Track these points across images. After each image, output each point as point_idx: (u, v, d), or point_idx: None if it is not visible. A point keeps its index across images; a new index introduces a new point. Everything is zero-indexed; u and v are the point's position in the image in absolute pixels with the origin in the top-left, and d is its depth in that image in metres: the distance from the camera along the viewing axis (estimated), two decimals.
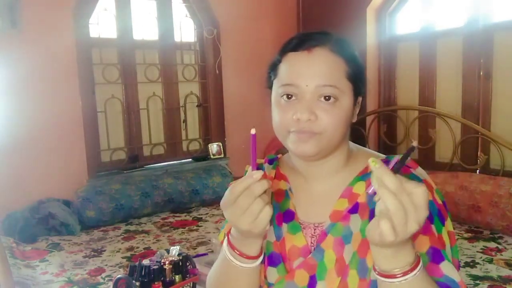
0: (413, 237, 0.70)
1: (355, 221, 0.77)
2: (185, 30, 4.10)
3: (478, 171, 3.31)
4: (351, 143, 0.88)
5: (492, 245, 2.62)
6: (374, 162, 0.59)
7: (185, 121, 4.15)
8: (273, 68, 0.83)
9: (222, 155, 4.18)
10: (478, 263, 2.37)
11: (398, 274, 0.62)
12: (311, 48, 0.77)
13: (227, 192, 0.70)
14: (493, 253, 2.50)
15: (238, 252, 0.75)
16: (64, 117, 3.34)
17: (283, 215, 0.84)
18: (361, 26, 3.94)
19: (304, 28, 4.47)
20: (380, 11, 3.97)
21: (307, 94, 0.76)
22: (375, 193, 0.61)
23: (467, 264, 2.36)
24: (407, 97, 3.90)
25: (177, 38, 4.05)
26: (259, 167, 0.86)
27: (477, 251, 2.53)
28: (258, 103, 4.35)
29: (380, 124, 4.03)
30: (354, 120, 0.83)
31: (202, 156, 4.16)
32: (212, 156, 4.14)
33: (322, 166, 0.83)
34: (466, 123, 3.37)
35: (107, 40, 3.68)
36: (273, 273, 0.81)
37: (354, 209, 0.78)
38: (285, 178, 0.88)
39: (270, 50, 4.33)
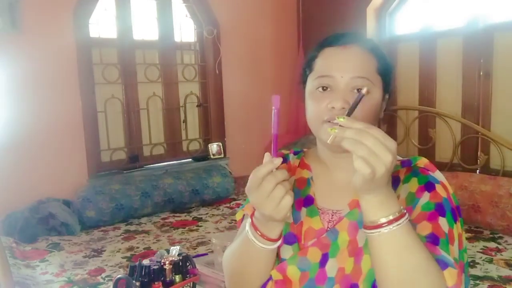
0: (417, 220, 0.78)
1: None
2: (185, 30, 4.10)
3: (478, 171, 3.31)
4: None
5: (492, 245, 2.62)
6: (340, 118, 0.67)
7: (185, 121, 4.15)
8: (309, 63, 0.88)
9: (222, 155, 4.18)
10: (478, 263, 2.37)
11: (384, 224, 0.68)
12: (346, 44, 0.84)
13: (251, 176, 0.73)
14: (493, 253, 2.50)
15: (260, 234, 0.79)
16: (64, 117, 3.34)
17: (303, 201, 0.89)
18: (361, 26, 3.94)
19: (304, 28, 4.48)
20: (380, 11, 3.97)
21: (342, 85, 0.81)
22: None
23: (467, 264, 2.35)
24: (407, 97, 3.90)
25: (177, 38, 4.05)
26: (284, 157, 0.94)
27: (477, 251, 2.53)
28: (258, 103, 4.38)
29: (380, 124, 4.01)
30: (381, 116, 0.88)
31: (202, 156, 4.16)
32: (212, 156, 4.14)
33: (348, 158, 0.84)
34: (466, 123, 3.37)
35: (107, 40, 3.68)
36: (287, 250, 0.86)
37: None
38: (308, 168, 0.93)
39: (270, 50, 4.34)
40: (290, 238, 0.86)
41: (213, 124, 4.24)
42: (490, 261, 2.39)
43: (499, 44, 3.24)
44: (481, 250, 2.55)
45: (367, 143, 0.64)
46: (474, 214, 2.86)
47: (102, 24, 3.63)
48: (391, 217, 0.68)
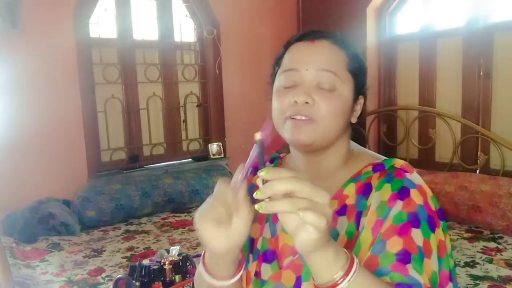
0: (387, 234, 0.70)
1: (342, 223, 0.77)
2: (185, 30, 4.10)
3: (478, 171, 3.31)
4: (353, 144, 0.87)
5: (492, 245, 2.62)
6: (265, 171, 0.57)
7: (185, 121, 4.15)
8: (278, 60, 0.85)
9: (222, 155, 4.18)
10: (478, 263, 2.37)
11: (339, 280, 0.59)
12: (314, 39, 0.80)
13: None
14: (493, 253, 2.50)
15: (208, 272, 0.73)
16: (64, 117, 3.34)
17: None
18: (361, 26, 3.94)
19: (304, 28, 4.47)
20: (380, 11, 3.97)
21: (307, 79, 0.77)
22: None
23: (467, 264, 2.36)
24: (407, 97, 3.90)
25: (177, 38, 4.05)
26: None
27: (477, 251, 2.53)
28: (258, 103, 4.35)
29: (380, 124, 4.03)
30: (354, 121, 0.83)
31: (202, 156, 4.16)
32: (212, 156, 4.14)
33: (320, 163, 0.83)
34: (466, 123, 3.37)
35: (107, 40, 3.68)
36: (267, 270, 0.80)
37: (342, 210, 0.78)
38: None
39: (270, 50, 4.33)
40: (269, 256, 0.81)
41: (213, 124, 4.24)
42: (490, 261, 2.39)
43: (499, 44, 3.24)
44: (481, 250, 2.54)
45: (304, 192, 0.55)
46: (474, 214, 2.86)
47: (102, 24, 3.62)
48: (345, 268, 0.59)
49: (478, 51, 3.33)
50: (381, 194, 0.75)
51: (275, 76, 0.84)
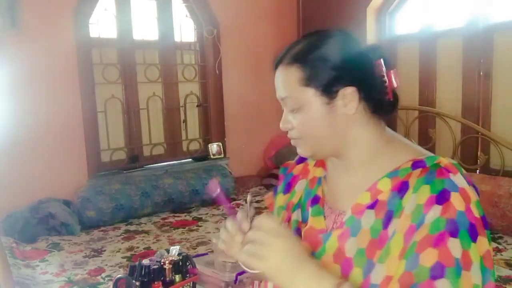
0: (421, 247, 0.66)
1: (369, 216, 0.76)
2: (185, 30, 4.10)
3: (478, 171, 3.31)
4: (394, 135, 0.85)
5: (492, 245, 2.62)
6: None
7: (185, 121, 4.15)
8: None
9: (222, 155, 4.18)
10: None
11: None
12: (276, 67, 0.84)
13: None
14: (493, 253, 2.49)
15: None
16: (64, 117, 3.34)
17: (311, 200, 0.89)
18: (361, 26, 3.94)
19: (304, 28, 4.48)
20: (380, 11, 3.97)
21: (284, 106, 0.84)
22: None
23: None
24: (407, 97, 3.90)
25: (177, 38, 4.05)
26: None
27: None
28: (258, 103, 4.38)
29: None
30: (351, 112, 0.79)
31: (202, 156, 4.16)
32: (212, 156, 4.14)
33: (345, 160, 0.84)
34: (466, 123, 3.37)
35: (107, 40, 3.68)
36: None
37: (373, 204, 0.76)
38: (324, 166, 0.91)
39: (270, 50, 4.33)
40: (295, 233, 0.87)
41: (213, 124, 4.24)
42: None
43: (499, 44, 3.24)
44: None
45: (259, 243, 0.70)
46: None
47: (102, 24, 3.63)
48: None
49: (478, 51, 3.33)
50: (418, 196, 0.70)
51: None
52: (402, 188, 0.73)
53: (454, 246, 0.65)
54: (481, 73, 3.34)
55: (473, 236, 0.67)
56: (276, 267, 0.69)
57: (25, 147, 3.17)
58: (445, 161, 0.74)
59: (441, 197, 0.68)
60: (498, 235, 2.76)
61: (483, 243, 0.68)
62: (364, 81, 0.79)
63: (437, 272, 0.64)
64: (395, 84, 0.83)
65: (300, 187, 0.94)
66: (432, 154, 0.78)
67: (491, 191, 2.81)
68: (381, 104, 0.82)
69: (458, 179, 0.71)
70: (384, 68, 0.81)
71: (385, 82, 0.81)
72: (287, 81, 0.80)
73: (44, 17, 3.21)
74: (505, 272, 2.26)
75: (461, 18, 3.44)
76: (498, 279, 2.19)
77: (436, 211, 0.67)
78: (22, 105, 3.16)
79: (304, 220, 0.88)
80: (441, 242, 0.65)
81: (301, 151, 0.85)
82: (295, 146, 0.86)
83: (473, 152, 3.41)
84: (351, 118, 0.80)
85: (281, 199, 0.98)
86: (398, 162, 0.77)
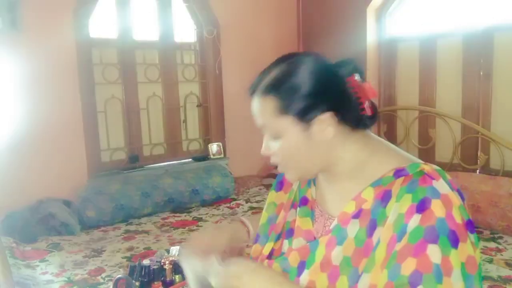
0: (401, 257, 0.67)
1: (353, 226, 0.77)
2: (185, 30, 4.10)
3: (478, 171, 3.31)
4: (380, 144, 0.84)
5: (492, 245, 2.62)
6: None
7: (185, 121, 4.15)
8: None
9: (222, 155, 4.18)
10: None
11: None
12: (251, 96, 0.85)
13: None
14: (493, 253, 2.50)
15: None
16: (64, 117, 3.34)
17: (300, 200, 0.91)
18: (361, 26, 3.95)
19: (304, 28, 4.48)
20: (380, 11, 3.97)
21: (264, 133, 0.86)
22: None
23: None
24: (407, 97, 3.90)
25: (177, 38, 4.05)
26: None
27: None
28: None
29: (380, 124, 4.03)
30: (329, 136, 0.79)
31: (202, 156, 4.16)
32: (212, 156, 4.14)
33: (331, 174, 0.86)
34: (466, 123, 3.37)
35: (107, 40, 3.68)
36: (285, 245, 0.89)
37: (357, 214, 0.77)
38: None
39: (270, 50, 4.34)
40: (289, 233, 0.90)
41: (213, 124, 4.24)
42: (490, 261, 2.39)
43: (499, 44, 3.24)
44: (481, 250, 2.54)
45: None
46: (474, 214, 2.86)
47: (102, 24, 3.62)
48: None
49: (478, 51, 3.33)
50: (400, 205, 0.71)
51: None
52: (385, 197, 0.74)
53: (433, 252, 0.65)
54: (481, 73, 3.34)
55: (454, 243, 0.67)
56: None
57: (25, 147, 3.17)
58: (427, 167, 0.74)
59: (421, 206, 0.69)
60: (498, 235, 2.76)
61: (465, 249, 0.68)
62: (339, 104, 0.79)
63: (415, 279, 0.64)
64: (370, 96, 0.82)
65: (296, 185, 0.96)
66: (416, 161, 0.78)
67: (491, 191, 2.81)
68: (359, 120, 0.82)
69: (441, 185, 0.71)
70: (358, 82, 0.81)
71: (360, 98, 0.81)
72: (263, 110, 0.82)
73: (44, 17, 3.21)
74: (505, 272, 2.26)
75: (461, 18, 3.44)
76: (498, 279, 2.19)
77: (415, 220, 0.68)
78: (22, 105, 3.15)
79: (290, 218, 0.93)
80: (420, 250, 0.66)
81: (288, 177, 0.88)
82: (282, 172, 0.87)
83: (473, 152, 3.42)
84: (331, 141, 0.80)
85: (272, 196, 1.00)
86: (382, 171, 0.78)
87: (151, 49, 3.94)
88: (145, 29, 3.87)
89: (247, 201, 3.74)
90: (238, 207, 3.64)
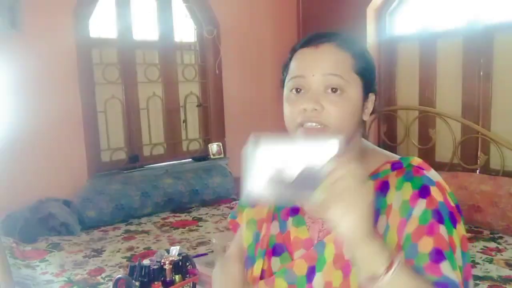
0: (416, 236, 0.71)
1: None
2: (185, 30, 4.10)
3: (478, 171, 3.31)
4: (366, 142, 0.88)
5: (492, 245, 2.62)
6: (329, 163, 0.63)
7: (185, 121, 4.15)
8: (285, 67, 0.87)
9: (222, 155, 4.18)
10: (478, 263, 2.37)
11: (381, 274, 0.63)
12: (318, 44, 0.81)
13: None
14: (493, 253, 2.50)
15: None
16: (64, 117, 3.34)
17: (290, 210, 0.87)
18: (361, 26, 3.94)
19: (304, 28, 4.47)
20: (380, 11, 3.97)
21: (314, 85, 0.78)
22: None
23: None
24: (407, 97, 3.90)
25: (177, 38, 4.05)
26: None
27: (477, 251, 2.53)
28: (258, 103, 4.38)
29: (380, 124, 4.03)
30: (366, 118, 0.84)
31: (202, 156, 4.16)
32: (212, 156, 4.14)
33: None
34: (466, 123, 3.37)
35: (107, 40, 3.68)
36: (276, 262, 0.84)
37: None
38: None
39: (270, 50, 4.34)
40: (278, 249, 0.85)
41: (213, 124, 4.24)
42: (490, 261, 2.39)
43: (499, 44, 3.24)
44: (481, 250, 2.54)
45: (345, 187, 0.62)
46: (474, 214, 2.86)
47: (102, 24, 3.62)
48: (389, 261, 0.63)
49: (478, 52, 3.33)
50: (402, 193, 0.76)
51: (284, 82, 0.86)
52: (383, 187, 0.78)
53: (444, 232, 0.72)
54: (481, 73, 3.34)
55: (454, 223, 0.74)
56: (355, 220, 0.62)
57: (25, 147, 3.17)
58: (417, 160, 0.80)
59: (423, 192, 0.75)
60: (498, 235, 2.76)
61: (460, 229, 0.75)
62: (376, 92, 0.87)
63: (438, 256, 0.69)
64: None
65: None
66: (403, 156, 0.84)
67: (491, 191, 2.81)
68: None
69: (433, 174, 0.78)
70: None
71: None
72: (340, 61, 0.79)
73: (44, 17, 3.21)
74: (505, 272, 2.26)
75: (461, 18, 3.44)
76: (498, 279, 2.19)
77: (421, 204, 0.73)
78: (22, 105, 3.15)
79: (283, 231, 0.86)
80: (433, 230, 0.71)
81: (325, 137, 0.75)
82: (308, 136, 0.77)
83: (473, 152, 3.42)
84: (361, 122, 0.84)
85: (250, 212, 0.93)
86: (375, 166, 0.82)
87: (151, 49, 3.94)
88: (145, 29, 3.87)
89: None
90: None
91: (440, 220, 0.72)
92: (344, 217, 0.62)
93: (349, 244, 0.65)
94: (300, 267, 0.80)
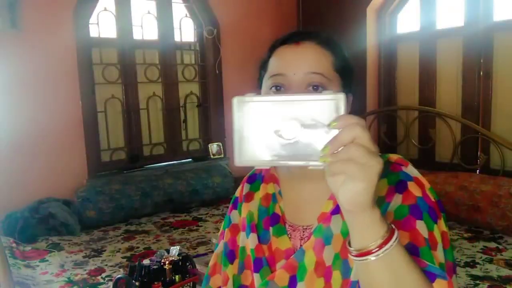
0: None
1: (336, 221, 0.76)
2: (185, 30, 4.10)
3: (478, 171, 3.31)
4: None
5: (492, 245, 2.62)
6: (334, 123, 0.54)
7: (185, 121, 4.15)
8: (263, 64, 0.85)
9: (222, 155, 4.18)
10: (478, 263, 2.37)
11: (373, 249, 0.57)
12: (299, 41, 0.79)
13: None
14: (493, 253, 2.50)
15: None
16: (64, 117, 3.34)
17: (270, 219, 0.83)
18: (361, 26, 3.95)
19: (304, 29, 4.47)
20: (380, 11, 3.97)
21: (295, 83, 0.76)
22: None
23: (467, 264, 2.36)
24: (407, 97, 3.90)
25: (177, 38, 4.05)
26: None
27: (477, 251, 2.53)
28: None
29: (380, 124, 4.03)
30: None
31: (202, 156, 4.16)
32: (212, 156, 4.14)
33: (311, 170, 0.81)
34: (466, 123, 3.37)
35: (107, 40, 3.68)
36: (257, 278, 0.80)
37: (336, 209, 0.76)
38: (276, 180, 0.86)
39: None
40: (257, 265, 0.81)
41: (213, 124, 4.24)
42: (490, 261, 2.39)
43: (499, 44, 3.24)
44: (481, 250, 2.55)
45: (364, 139, 0.53)
46: (474, 214, 2.86)
47: (102, 24, 3.63)
48: (380, 241, 0.57)
49: (478, 51, 3.33)
50: (377, 190, 0.70)
51: (262, 80, 0.83)
52: None
53: (421, 227, 0.69)
54: (481, 73, 3.34)
55: (434, 218, 0.71)
56: (357, 193, 0.55)
57: (25, 147, 3.17)
58: (394, 157, 0.78)
59: (400, 187, 0.72)
60: (498, 235, 2.76)
61: (441, 225, 0.72)
62: (355, 94, 0.84)
63: (411, 251, 0.65)
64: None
65: (247, 209, 0.87)
66: (381, 154, 0.77)
67: (491, 191, 2.81)
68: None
69: (410, 169, 0.75)
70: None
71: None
72: (321, 59, 0.78)
73: (44, 17, 3.21)
74: (505, 272, 2.26)
75: (461, 18, 3.44)
76: (498, 279, 2.19)
77: (397, 199, 0.71)
78: (22, 105, 3.15)
79: (264, 242, 0.82)
80: (409, 225, 0.69)
81: None
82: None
83: (473, 152, 3.42)
84: None
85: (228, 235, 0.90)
86: None
87: (151, 49, 3.94)
88: (145, 29, 3.87)
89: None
90: None
91: (418, 216, 0.69)
92: (346, 187, 0.55)
93: (346, 213, 0.59)
94: (281, 278, 0.77)
